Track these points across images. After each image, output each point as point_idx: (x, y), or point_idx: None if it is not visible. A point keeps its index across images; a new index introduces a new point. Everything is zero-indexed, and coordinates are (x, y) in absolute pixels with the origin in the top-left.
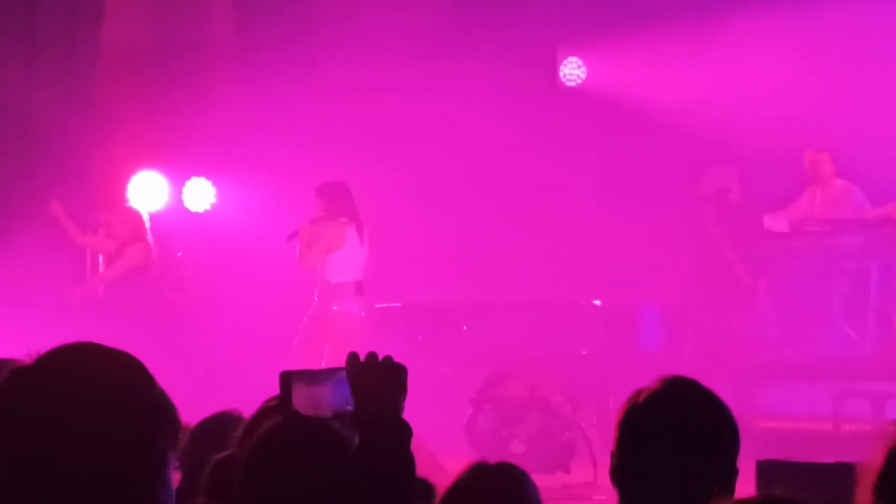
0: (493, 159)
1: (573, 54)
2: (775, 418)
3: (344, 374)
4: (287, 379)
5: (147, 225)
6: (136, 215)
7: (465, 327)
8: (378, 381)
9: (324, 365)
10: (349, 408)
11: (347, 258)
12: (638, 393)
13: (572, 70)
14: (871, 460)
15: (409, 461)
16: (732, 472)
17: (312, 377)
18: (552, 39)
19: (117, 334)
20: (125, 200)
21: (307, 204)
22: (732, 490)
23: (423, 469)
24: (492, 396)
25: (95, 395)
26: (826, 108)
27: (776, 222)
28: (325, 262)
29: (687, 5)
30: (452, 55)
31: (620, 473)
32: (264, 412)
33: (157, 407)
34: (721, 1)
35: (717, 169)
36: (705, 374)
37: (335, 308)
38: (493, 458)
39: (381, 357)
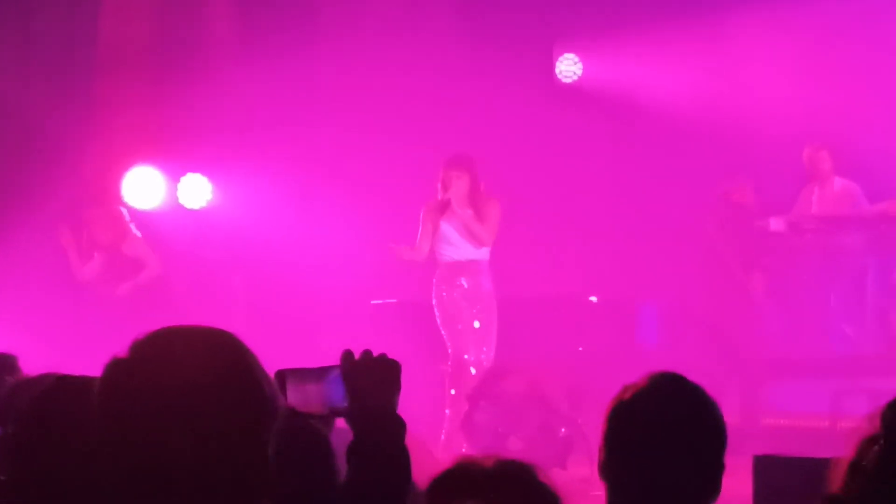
0: (489, 155)
1: (569, 51)
2: (774, 415)
3: (338, 371)
4: (282, 377)
5: (129, 222)
6: (117, 214)
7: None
8: (373, 377)
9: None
10: (344, 404)
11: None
12: (625, 389)
13: (568, 66)
14: (845, 452)
15: (404, 457)
16: (719, 468)
17: (307, 375)
18: (549, 36)
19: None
20: (119, 197)
21: (305, 200)
22: (719, 485)
23: (419, 465)
24: (489, 393)
25: (201, 382)
26: (826, 105)
27: (779, 225)
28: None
29: (685, 1)
30: (450, 53)
31: (608, 470)
32: None
33: (264, 389)
34: None
35: (733, 178)
36: (703, 372)
37: (488, 286)
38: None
39: (376, 353)
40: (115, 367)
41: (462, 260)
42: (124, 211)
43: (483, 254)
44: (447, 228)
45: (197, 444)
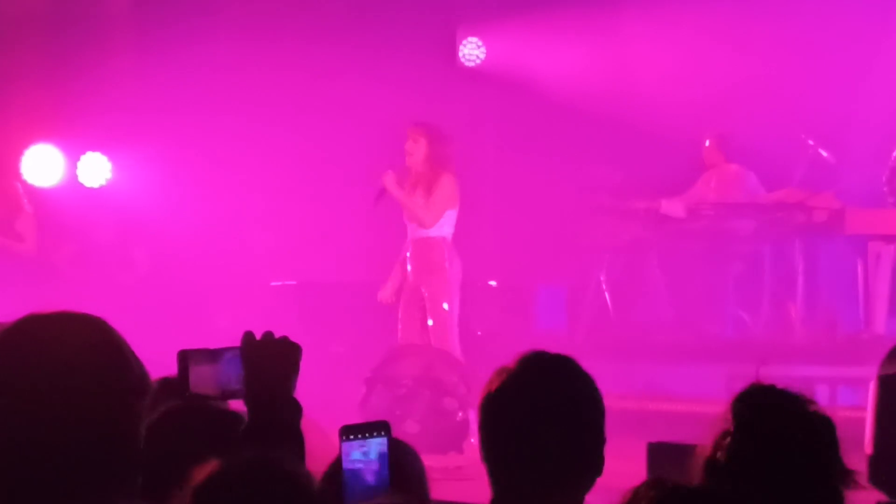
0: (391, 140)
1: (473, 34)
2: (667, 400)
3: (237, 352)
4: (184, 358)
5: (24, 198)
6: (12, 188)
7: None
8: (271, 359)
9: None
10: (239, 386)
11: (456, 217)
12: (495, 375)
13: (472, 50)
14: (703, 445)
15: (298, 440)
16: (599, 442)
17: (208, 356)
18: (452, 19)
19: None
20: (7, 174)
21: (204, 180)
22: (601, 460)
23: (315, 448)
24: (385, 376)
25: (72, 367)
26: (725, 92)
27: (673, 207)
28: (444, 219)
29: None
30: (352, 34)
31: (486, 455)
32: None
33: (135, 370)
34: None
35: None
36: (598, 355)
37: (458, 267)
38: None
39: (277, 335)
40: None
41: (415, 238)
42: (19, 186)
43: (437, 230)
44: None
45: (67, 423)
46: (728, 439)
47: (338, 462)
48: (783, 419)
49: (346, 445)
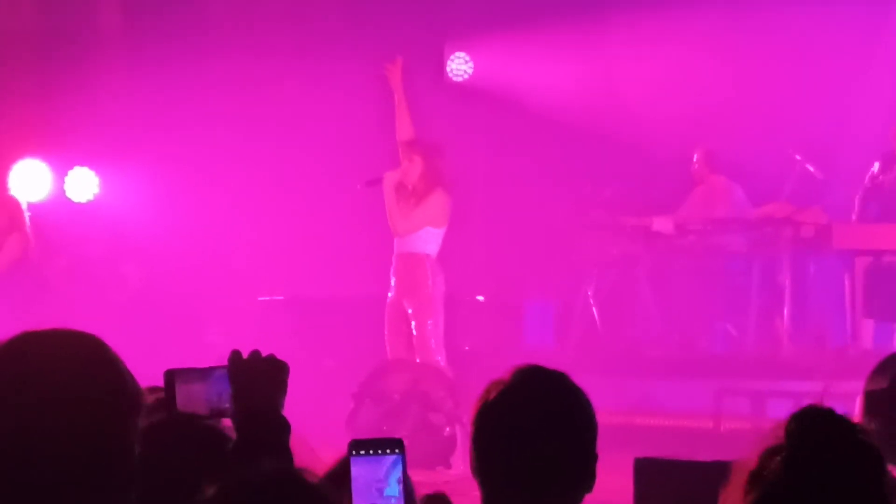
0: (379, 154)
1: (460, 50)
2: (655, 415)
3: (224, 370)
4: (170, 377)
5: (25, 214)
6: (13, 203)
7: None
8: (259, 377)
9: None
10: (227, 405)
11: (443, 236)
12: (489, 387)
13: (459, 65)
14: (745, 459)
15: (287, 458)
16: (592, 457)
17: (195, 375)
18: (439, 34)
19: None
20: (5, 189)
21: (192, 196)
22: (593, 475)
23: (303, 464)
24: (373, 390)
25: (67, 383)
26: (712, 108)
27: (664, 224)
28: (429, 236)
29: (574, 1)
30: (340, 49)
31: (479, 468)
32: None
33: (130, 387)
34: None
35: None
36: (586, 370)
37: (441, 284)
38: None
39: (264, 353)
40: None
41: (400, 252)
42: (23, 204)
43: (422, 247)
44: None
45: (63, 440)
46: (778, 457)
47: (333, 472)
48: (841, 448)
49: (355, 461)
